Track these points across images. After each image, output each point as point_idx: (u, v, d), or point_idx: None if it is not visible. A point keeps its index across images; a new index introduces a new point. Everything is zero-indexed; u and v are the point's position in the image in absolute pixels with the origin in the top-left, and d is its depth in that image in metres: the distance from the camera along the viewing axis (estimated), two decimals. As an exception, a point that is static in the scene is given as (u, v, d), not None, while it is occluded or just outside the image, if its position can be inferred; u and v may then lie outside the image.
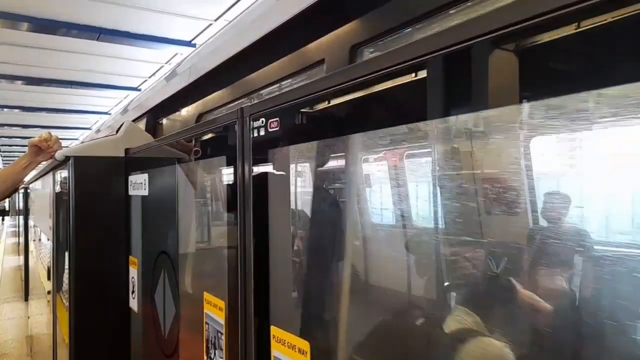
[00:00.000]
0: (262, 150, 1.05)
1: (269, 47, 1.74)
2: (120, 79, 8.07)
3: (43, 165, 3.02)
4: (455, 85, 0.66)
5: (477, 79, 0.63)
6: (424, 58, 0.66)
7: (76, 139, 12.46)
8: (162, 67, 7.39)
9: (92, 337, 1.91)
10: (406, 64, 0.68)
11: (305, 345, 0.84)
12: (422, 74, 0.70)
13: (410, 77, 0.73)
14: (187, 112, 2.41)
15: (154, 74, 7.74)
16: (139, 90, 8.20)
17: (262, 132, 1.06)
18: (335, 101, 0.87)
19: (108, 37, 5.93)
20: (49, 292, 3.91)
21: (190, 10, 5.28)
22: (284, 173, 1.03)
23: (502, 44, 0.59)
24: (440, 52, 0.64)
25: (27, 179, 3.65)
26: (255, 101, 1.16)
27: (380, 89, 0.78)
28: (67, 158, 1.91)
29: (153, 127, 2.82)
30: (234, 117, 1.14)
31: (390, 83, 0.76)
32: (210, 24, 5.72)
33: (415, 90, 0.72)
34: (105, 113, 10.41)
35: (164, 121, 2.78)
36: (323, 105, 0.90)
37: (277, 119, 1.00)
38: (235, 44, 2.01)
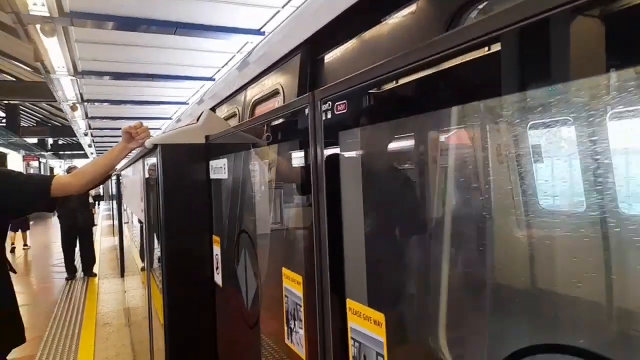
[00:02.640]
0: (334, 132, 1.10)
1: (337, 31, 1.75)
2: (196, 70, 8.48)
3: (133, 154, 3.29)
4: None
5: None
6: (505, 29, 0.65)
7: (159, 129, 13.31)
8: (233, 56, 7.67)
9: (183, 309, 2.10)
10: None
11: (380, 317, 0.88)
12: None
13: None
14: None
15: (226, 63, 8.04)
16: (213, 80, 8.57)
17: (333, 114, 1.10)
18: (412, 77, 0.86)
19: (183, 31, 6.25)
20: (142, 269, 4.29)
21: (258, -1, 5.44)
22: (364, 152, 1.07)
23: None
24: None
25: (118, 166, 3.99)
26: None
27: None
28: (155, 146, 2.09)
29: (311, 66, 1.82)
30: (305, 101, 1.20)
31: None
32: (278, 11, 5.83)
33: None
34: (184, 103, 11.00)
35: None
36: (398, 83, 0.90)
37: (349, 100, 1.04)
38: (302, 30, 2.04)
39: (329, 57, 1.74)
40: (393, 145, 1.10)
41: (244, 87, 2.78)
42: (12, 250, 11.15)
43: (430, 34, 1.12)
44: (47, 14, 5.40)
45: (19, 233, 11.77)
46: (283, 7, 5.71)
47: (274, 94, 2.13)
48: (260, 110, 2.48)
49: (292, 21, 2.35)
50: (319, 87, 1.05)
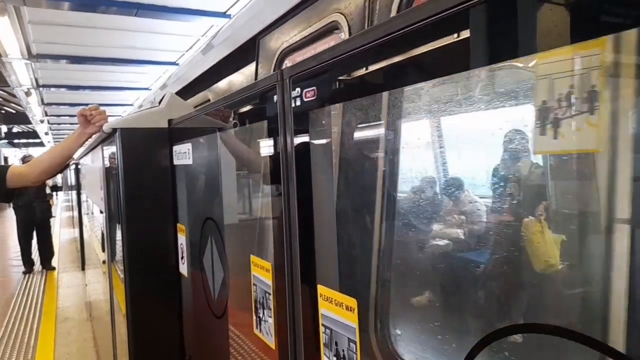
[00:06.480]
0: (304, 112, 1.05)
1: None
2: (159, 54, 8.17)
3: (91, 140, 3.14)
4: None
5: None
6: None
7: (120, 116, 12.84)
8: (198, 40, 7.43)
9: (146, 301, 2.01)
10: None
11: (352, 302, 0.85)
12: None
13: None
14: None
15: (190, 47, 7.79)
16: (177, 65, 8.30)
17: (305, 97, 1.05)
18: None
19: (145, 12, 5.99)
20: (103, 262, 4.13)
21: (224, -21, 5.27)
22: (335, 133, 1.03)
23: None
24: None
25: (76, 154, 3.81)
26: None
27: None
28: (114, 130, 1.98)
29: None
30: (273, 80, 1.14)
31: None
32: (244, -7, 5.68)
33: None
34: (146, 89, 10.63)
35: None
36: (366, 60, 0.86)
37: (319, 80, 0.99)
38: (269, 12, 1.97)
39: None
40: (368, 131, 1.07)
41: None
42: None
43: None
44: (-4, -8, 5.06)
45: None
46: (249, -11, 5.56)
47: None
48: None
49: (258, 3, 2.27)
50: None
